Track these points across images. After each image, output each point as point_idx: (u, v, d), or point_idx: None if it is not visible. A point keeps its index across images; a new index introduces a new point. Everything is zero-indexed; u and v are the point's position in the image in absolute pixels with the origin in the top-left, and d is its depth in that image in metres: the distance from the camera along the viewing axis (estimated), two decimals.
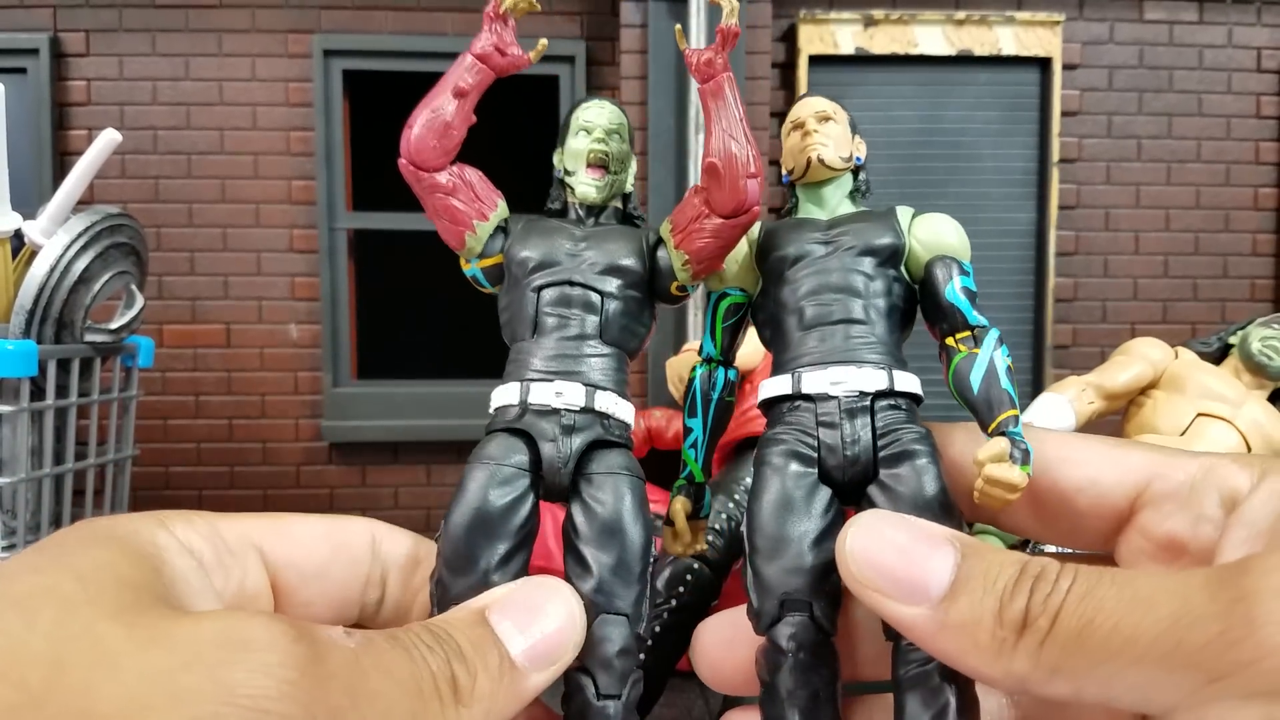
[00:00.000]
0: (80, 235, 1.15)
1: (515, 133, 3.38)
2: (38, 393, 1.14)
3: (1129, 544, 0.40)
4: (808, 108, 0.59)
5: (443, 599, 0.42)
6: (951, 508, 0.43)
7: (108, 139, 1.21)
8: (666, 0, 2.88)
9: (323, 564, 0.41)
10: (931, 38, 3.09)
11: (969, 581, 0.32)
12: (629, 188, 0.61)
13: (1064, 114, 3.14)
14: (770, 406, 0.50)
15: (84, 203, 1.23)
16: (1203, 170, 3.21)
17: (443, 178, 0.56)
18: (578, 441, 0.48)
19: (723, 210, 0.54)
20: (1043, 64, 3.14)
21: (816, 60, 3.09)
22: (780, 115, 3.10)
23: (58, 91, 3.03)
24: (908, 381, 0.50)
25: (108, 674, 0.25)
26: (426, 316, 3.63)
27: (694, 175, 2.84)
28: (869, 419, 0.47)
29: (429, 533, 0.48)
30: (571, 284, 0.53)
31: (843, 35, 3.07)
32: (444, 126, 0.56)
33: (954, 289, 0.53)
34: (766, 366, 0.53)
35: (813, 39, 3.06)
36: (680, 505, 0.52)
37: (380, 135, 3.55)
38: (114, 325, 1.23)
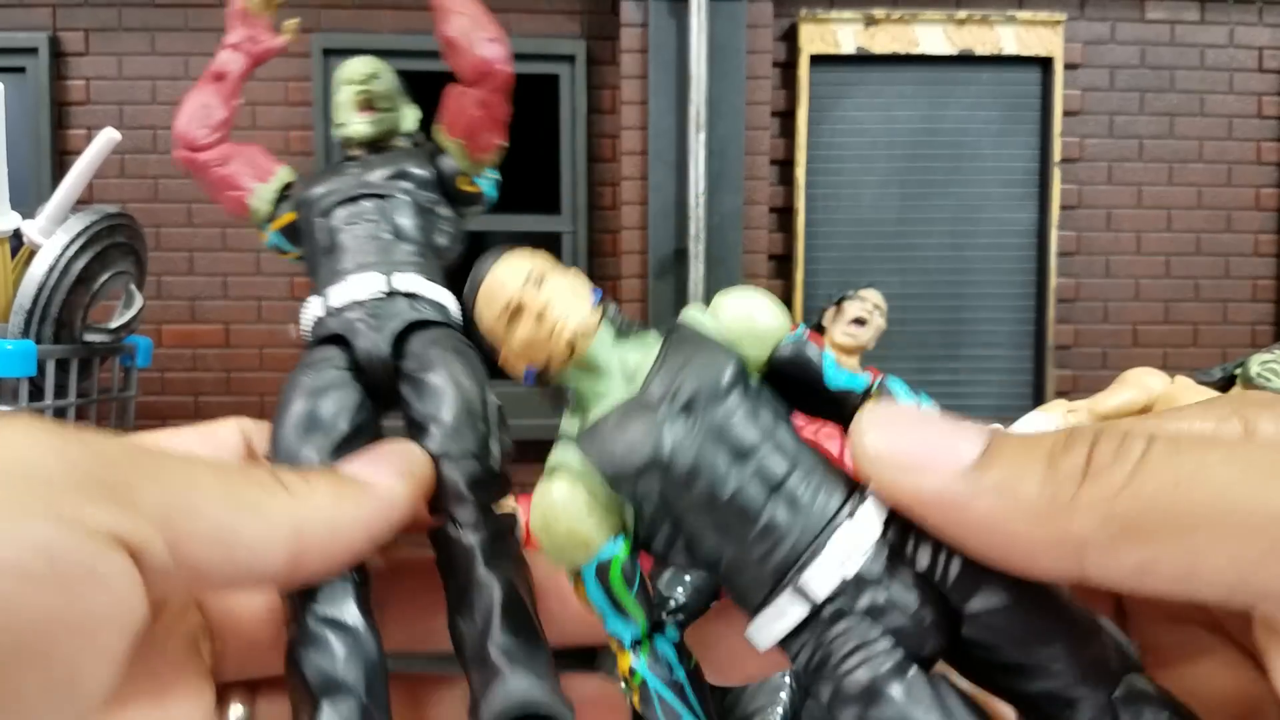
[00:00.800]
0: (79, 235, 1.15)
1: (515, 132, 3.37)
2: (36, 393, 1.13)
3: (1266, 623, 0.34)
4: (512, 283, 0.41)
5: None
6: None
7: (107, 138, 1.21)
8: None
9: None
10: (932, 37, 3.08)
11: (1003, 448, 0.26)
12: (409, 126, 0.62)
13: (1065, 114, 3.14)
14: (791, 648, 0.36)
15: (83, 202, 1.23)
16: (1204, 170, 3.21)
17: (214, 153, 0.58)
18: (389, 328, 0.47)
19: (471, 77, 0.54)
20: (1044, 63, 3.14)
21: (817, 59, 3.08)
22: (782, 114, 3.09)
23: (57, 90, 3.02)
24: (876, 506, 0.36)
25: None
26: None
27: (695, 174, 2.84)
28: (908, 572, 0.34)
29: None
30: (361, 196, 0.53)
31: (844, 34, 3.06)
32: (204, 109, 0.58)
33: (831, 370, 0.40)
34: None
35: (814, 38, 3.06)
36: None
37: None
38: (113, 325, 1.22)
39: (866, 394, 0.40)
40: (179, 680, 0.36)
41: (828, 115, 3.13)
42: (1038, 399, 3.15)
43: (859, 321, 2.35)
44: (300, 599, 0.38)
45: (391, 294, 0.48)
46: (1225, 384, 2.28)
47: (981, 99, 3.16)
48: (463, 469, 0.43)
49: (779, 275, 3.16)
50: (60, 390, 1.16)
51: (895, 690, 0.32)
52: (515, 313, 0.41)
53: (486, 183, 0.58)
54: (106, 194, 2.94)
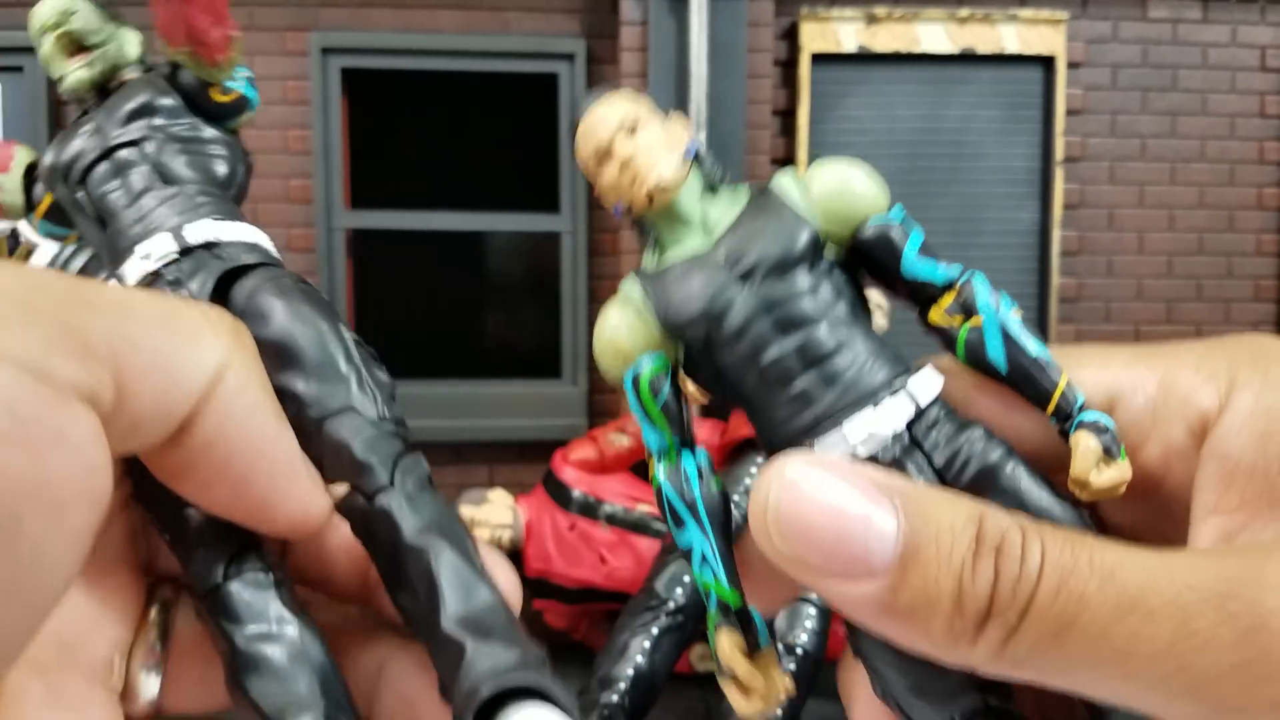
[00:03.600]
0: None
1: (514, 132, 3.36)
2: None
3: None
4: (604, 128, 0.43)
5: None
6: (1066, 497, 0.36)
7: None
8: None
9: (161, 388, 0.31)
10: (934, 35, 3.07)
11: (919, 553, 0.27)
12: (133, 55, 0.54)
13: (1068, 113, 3.13)
14: None
15: None
16: (1207, 170, 3.20)
17: None
18: (197, 286, 0.41)
19: None
20: (1046, 62, 3.13)
21: (819, 58, 3.07)
22: (783, 113, 3.08)
23: (54, 90, 3.00)
24: (927, 384, 0.39)
25: None
26: (425, 315, 3.62)
27: None
28: (923, 458, 0.37)
29: None
30: (105, 154, 0.46)
31: (845, 33, 3.05)
32: None
33: (910, 257, 0.41)
34: None
35: (815, 37, 3.05)
36: (729, 644, 0.39)
37: (379, 133, 3.55)
38: None
39: (947, 287, 0.41)
40: (118, 571, 0.33)
41: (829, 114, 3.12)
42: None
43: None
44: (221, 619, 0.34)
45: (186, 250, 0.42)
46: None
47: (983, 98, 3.15)
48: (347, 428, 0.37)
49: None
50: None
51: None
52: (604, 156, 0.44)
53: (240, 83, 0.51)
54: None
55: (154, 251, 0.42)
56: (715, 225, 0.43)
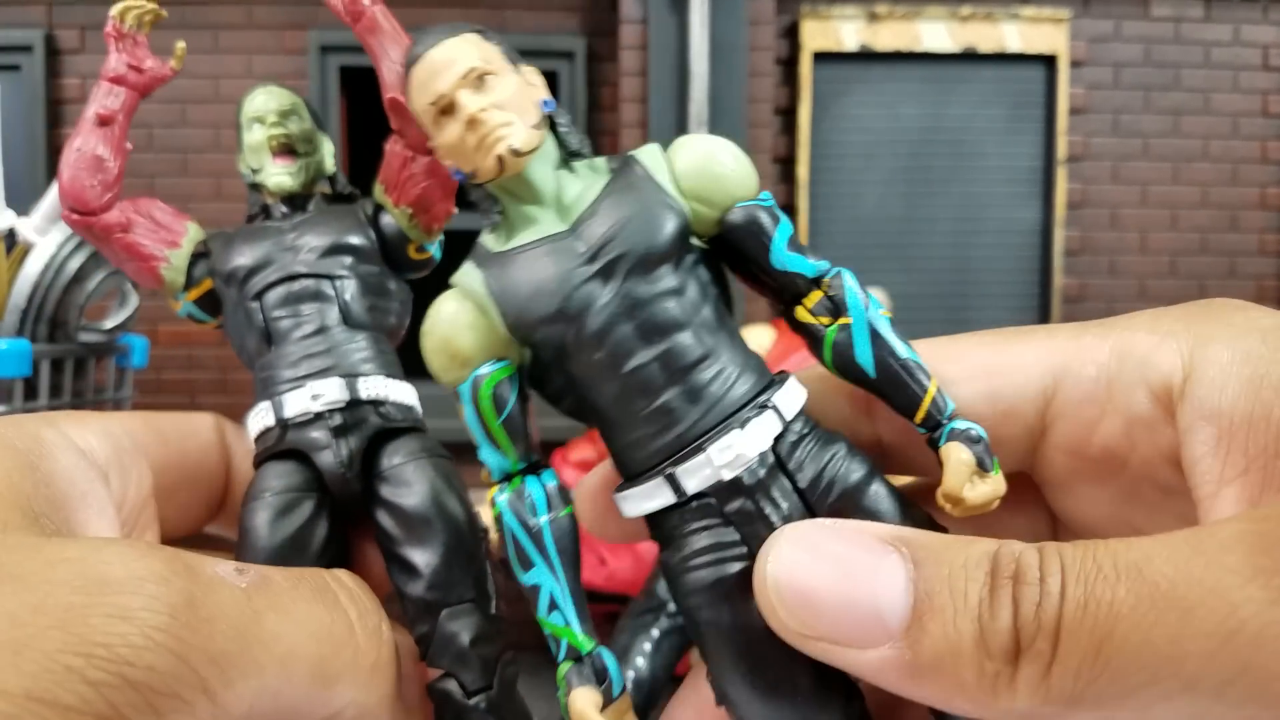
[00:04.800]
0: (74, 234, 1.13)
1: None
2: (31, 392, 1.11)
3: (1052, 465, 0.32)
4: (447, 75, 0.36)
5: None
6: (916, 511, 0.34)
7: None
8: None
9: (192, 464, 0.37)
10: (936, 34, 3.07)
11: (932, 599, 0.24)
12: (330, 168, 0.54)
13: (1070, 111, 3.13)
14: (654, 524, 0.36)
15: None
16: (1210, 169, 3.20)
17: (113, 216, 0.49)
18: (355, 441, 0.42)
19: (422, 145, 0.46)
20: (1048, 61, 3.12)
21: (820, 56, 3.07)
22: (784, 112, 3.08)
23: (52, 88, 3.01)
24: (792, 398, 0.36)
25: None
26: (422, 315, 3.62)
27: None
28: (787, 481, 0.34)
29: None
30: (294, 278, 0.46)
31: (846, 31, 3.04)
32: (95, 161, 0.48)
33: (780, 246, 0.37)
34: (776, 356, 0.41)
35: (816, 35, 3.04)
36: (583, 701, 0.35)
37: (377, 131, 3.53)
38: (108, 325, 1.20)
39: (815, 282, 0.37)
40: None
41: (830, 112, 3.11)
42: None
43: None
44: None
45: (355, 403, 0.43)
46: None
47: (985, 96, 3.14)
48: (463, 624, 0.39)
49: None
50: (55, 390, 1.14)
51: (732, 598, 0.33)
52: (444, 110, 0.37)
53: (435, 247, 0.52)
54: None
55: (325, 394, 0.43)
56: (573, 203, 0.37)
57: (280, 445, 0.42)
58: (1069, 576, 0.23)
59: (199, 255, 0.50)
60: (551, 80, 3.10)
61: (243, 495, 0.40)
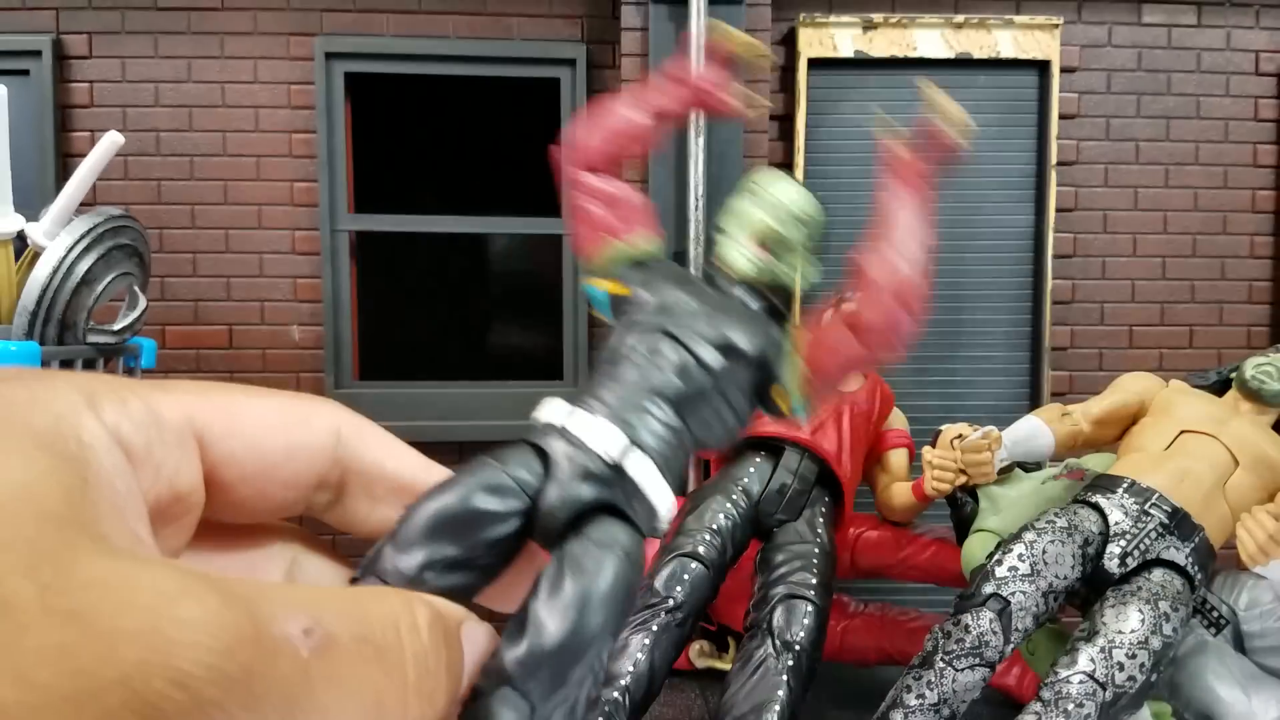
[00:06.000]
0: (83, 237, 1.16)
1: (516, 136, 3.38)
2: None
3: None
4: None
5: (369, 567, 0.37)
6: None
7: (110, 141, 1.23)
8: (667, 3, 2.89)
9: (272, 462, 0.33)
10: (930, 41, 3.09)
11: None
12: (789, 282, 0.54)
13: (1062, 117, 3.15)
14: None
15: (87, 205, 1.25)
16: (1201, 173, 3.22)
17: (603, 182, 0.50)
18: (588, 494, 0.40)
19: (865, 335, 0.46)
20: (1041, 67, 3.15)
21: (816, 63, 3.10)
22: (780, 119, 3.11)
23: (60, 94, 3.04)
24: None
25: (5, 655, 0.21)
26: (428, 318, 3.64)
27: (694, 178, 2.85)
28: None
29: None
30: (672, 335, 0.45)
31: (842, 38, 3.07)
32: (615, 135, 0.50)
33: None
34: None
35: (812, 42, 3.07)
36: None
37: (382, 137, 3.57)
38: (116, 327, 1.24)
39: None
40: None
41: (826, 119, 3.14)
42: (1034, 400, 3.17)
43: None
44: None
45: (618, 469, 0.42)
46: (1221, 387, 2.31)
47: (979, 102, 3.16)
48: (508, 716, 0.34)
49: None
50: None
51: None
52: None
53: (800, 409, 0.51)
54: (110, 196, 2.96)
55: (604, 439, 0.41)
56: None
57: (535, 438, 0.41)
58: None
59: (641, 263, 0.50)
60: (553, 87, 3.14)
61: (364, 497, 0.37)
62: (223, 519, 0.34)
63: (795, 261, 0.52)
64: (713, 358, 0.46)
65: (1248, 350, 3.23)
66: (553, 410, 0.43)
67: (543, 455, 0.41)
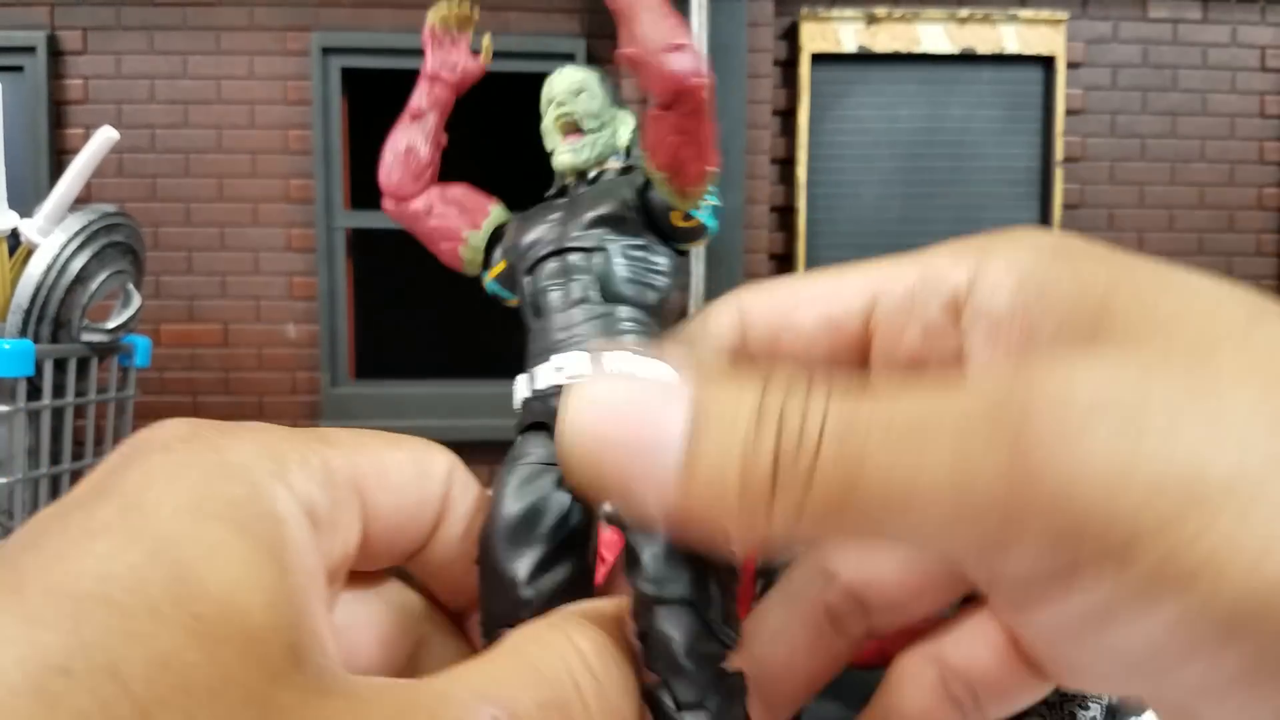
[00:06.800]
0: (77, 234, 1.14)
1: (512, 132, 3.36)
2: (34, 392, 1.12)
3: (876, 370, 0.35)
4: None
5: (486, 626, 0.37)
6: None
7: (105, 137, 1.20)
8: None
9: (409, 515, 0.34)
10: (934, 36, 3.07)
11: (707, 423, 0.25)
12: (623, 140, 0.53)
13: (1068, 113, 3.14)
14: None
15: (81, 201, 1.22)
16: (1207, 170, 3.21)
17: (420, 203, 0.51)
18: None
19: (663, 99, 0.46)
20: (1046, 62, 3.13)
21: (819, 58, 3.08)
22: (783, 113, 3.09)
23: (55, 89, 3.02)
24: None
25: None
26: (425, 316, 3.63)
27: None
28: None
29: None
30: (560, 251, 0.46)
31: (845, 33, 3.05)
32: (407, 151, 0.51)
33: None
34: None
35: (815, 37, 3.05)
36: None
37: (379, 133, 3.53)
38: (111, 325, 1.21)
39: None
40: None
41: (829, 114, 3.12)
42: None
43: None
44: None
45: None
46: None
47: (983, 98, 3.15)
48: (676, 626, 0.35)
49: (779, 275, 3.15)
50: (58, 390, 1.15)
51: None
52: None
53: (704, 213, 0.52)
54: (104, 193, 2.93)
55: (568, 367, 0.43)
56: None
57: (529, 417, 0.43)
58: (828, 427, 0.24)
59: (497, 237, 0.51)
60: None
61: (448, 539, 0.38)
62: (360, 569, 0.34)
63: (603, 120, 0.51)
64: (597, 237, 0.47)
65: None
66: (521, 388, 0.44)
67: (538, 427, 0.42)
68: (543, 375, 0.43)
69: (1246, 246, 3.24)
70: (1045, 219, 3.18)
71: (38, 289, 1.10)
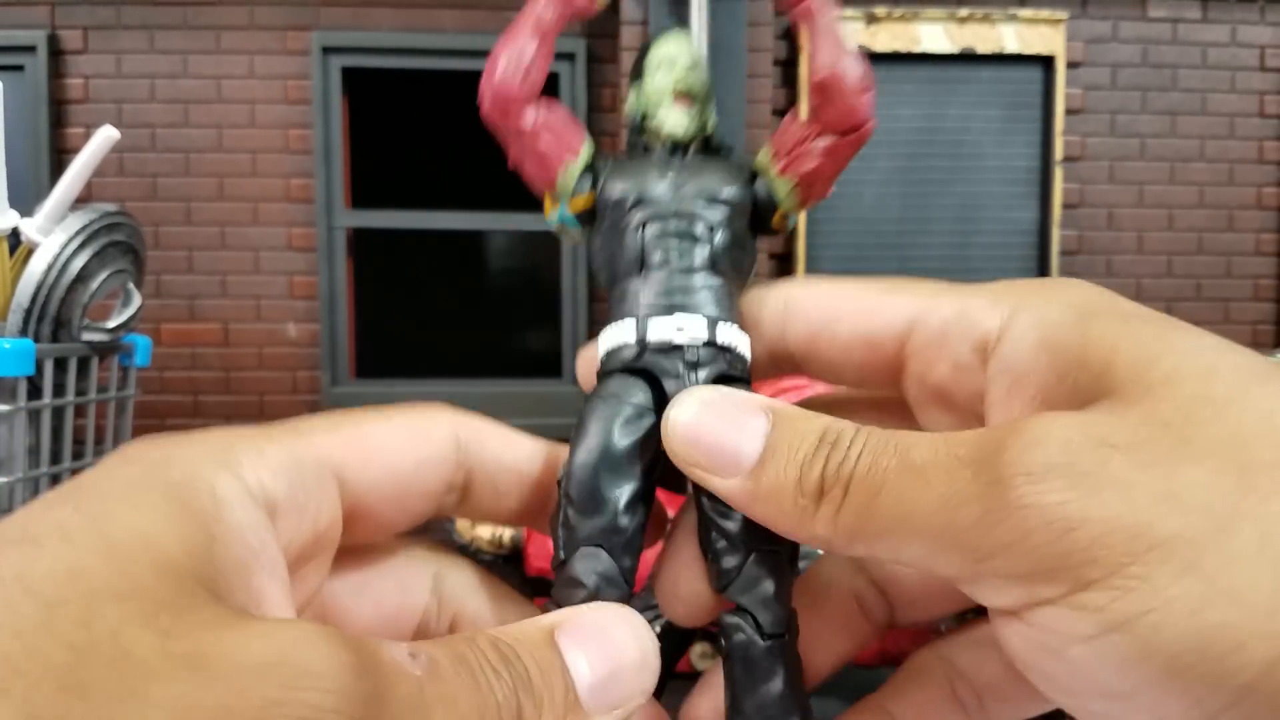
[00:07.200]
0: (78, 233, 1.14)
1: None
2: (35, 391, 1.12)
3: (910, 391, 0.41)
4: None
5: (570, 541, 0.40)
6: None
7: (105, 136, 1.20)
8: None
9: (405, 483, 0.37)
10: (934, 35, 3.08)
11: (776, 450, 0.34)
12: (710, 125, 0.57)
13: (1067, 112, 3.13)
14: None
15: (81, 200, 1.22)
16: (1206, 169, 3.21)
17: (528, 120, 0.52)
18: (703, 376, 0.44)
19: (840, 126, 0.48)
20: (1046, 62, 3.13)
21: None
22: (782, 113, 3.09)
23: (55, 89, 3.02)
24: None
25: (131, 706, 0.21)
26: (425, 315, 3.63)
27: None
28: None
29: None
30: (678, 215, 0.49)
31: (844, 33, 3.05)
32: (525, 70, 0.52)
33: None
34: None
35: None
36: None
37: (380, 133, 3.55)
38: (111, 324, 1.21)
39: None
40: None
41: None
42: None
43: None
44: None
45: (711, 344, 0.45)
46: None
47: (983, 97, 3.15)
48: (772, 569, 0.40)
49: (779, 274, 3.15)
50: (59, 389, 1.15)
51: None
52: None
53: (794, 219, 0.55)
54: (105, 192, 2.94)
55: (688, 329, 0.45)
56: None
57: (637, 363, 0.45)
58: (865, 450, 0.31)
59: (589, 169, 0.52)
60: (552, 81, 3.11)
61: (490, 491, 0.42)
62: (363, 541, 0.37)
63: (709, 99, 0.53)
64: (715, 215, 0.49)
65: (1253, 348, 3.21)
66: (625, 332, 0.47)
67: (639, 372, 0.45)
68: (658, 328, 0.45)
69: (1245, 246, 3.24)
70: (1045, 218, 3.18)
71: (38, 288, 1.10)
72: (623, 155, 0.53)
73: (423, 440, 0.38)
